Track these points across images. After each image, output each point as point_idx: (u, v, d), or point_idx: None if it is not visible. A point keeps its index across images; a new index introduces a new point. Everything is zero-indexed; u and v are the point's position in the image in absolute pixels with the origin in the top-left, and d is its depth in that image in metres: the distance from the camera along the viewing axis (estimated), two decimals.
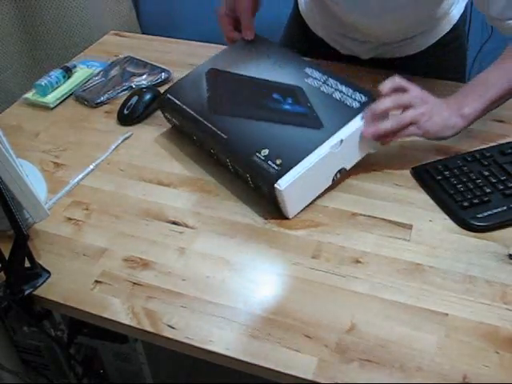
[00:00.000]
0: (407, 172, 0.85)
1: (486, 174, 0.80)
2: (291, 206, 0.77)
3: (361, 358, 0.61)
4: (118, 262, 0.73)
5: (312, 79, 0.86)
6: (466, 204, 0.77)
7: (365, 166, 0.84)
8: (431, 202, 0.80)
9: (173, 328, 0.65)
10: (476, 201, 0.77)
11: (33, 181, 0.71)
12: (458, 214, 0.77)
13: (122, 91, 1.06)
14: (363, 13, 0.95)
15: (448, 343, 0.63)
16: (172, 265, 0.73)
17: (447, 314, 0.65)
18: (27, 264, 0.68)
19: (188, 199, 0.83)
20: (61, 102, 1.04)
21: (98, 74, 1.10)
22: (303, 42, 1.16)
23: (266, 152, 0.77)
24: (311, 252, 0.74)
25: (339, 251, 0.74)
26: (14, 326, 0.78)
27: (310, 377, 0.60)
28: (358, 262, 0.72)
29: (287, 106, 0.83)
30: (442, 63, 1.07)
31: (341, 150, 0.78)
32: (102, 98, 1.03)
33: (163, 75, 1.09)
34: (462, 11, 1.05)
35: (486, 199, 0.77)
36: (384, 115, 0.79)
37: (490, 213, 0.76)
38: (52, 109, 1.03)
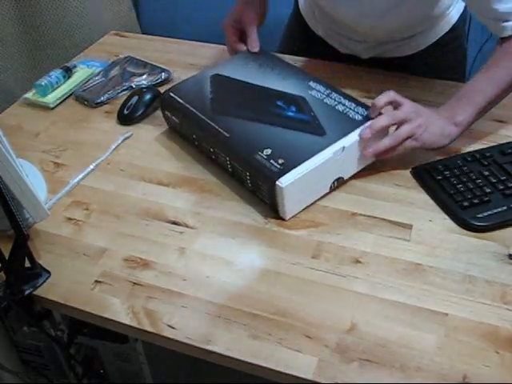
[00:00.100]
0: (407, 172, 0.85)
1: (486, 173, 0.80)
2: (289, 206, 0.77)
3: (361, 357, 0.61)
4: (118, 262, 0.73)
5: (316, 91, 0.88)
6: (466, 204, 0.77)
7: (365, 166, 0.84)
8: (431, 202, 0.80)
9: (173, 328, 0.65)
10: (476, 201, 0.77)
11: (33, 181, 0.71)
12: (457, 214, 0.77)
13: (122, 91, 1.06)
14: (357, 13, 0.95)
15: (448, 343, 0.63)
16: (172, 265, 0.73)
17: (447, 314, 0.65)
18: (27, 264, 0.68)
19: (188, 199, 0.83)
20: (61, 102, 1.04)
21: (98, 74, 1.10)
22: (303, 41, 1.16)
23: (268, 151, 0.77)
24: (311, 252, 0.74)
25: (339, 251, 0.74)
26: (13, 326, 0.78)
27: (310, 377, 0.60)
28: (357, 262, 0.72)
29: (291, 113, 0.84)
30: (441, 63, 1.07)
31: (342, 158, 0.79)
32: (102, 98, 1.03)
33: (163, 75, 1.09)
34: (461, 11, 1.05)
35: (486, 199, 0.77)
36: (381, 132, 0.80)
37: (489, 213, 0.76)
38: (52, 109, 1.03)
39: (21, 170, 0.68)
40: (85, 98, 1.04)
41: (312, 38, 1.13)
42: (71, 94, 1.06)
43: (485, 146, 0.87)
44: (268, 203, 0.79)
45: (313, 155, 0.76)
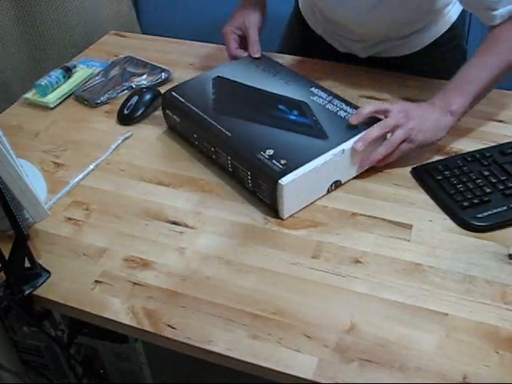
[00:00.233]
0: (407, 172, 0.85)
1: (486, 173, 0.80)
2: (288, 205, 0.77)
3: (361, 357, 0.61)
4: (118, 262, 0.73)
5: (317, 97, 0.88)
6: (466, 204, 0.77)
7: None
8: (431, 201, 0.80)
9: (173, 328, 0.65)
10: (476, 201, 0.77)
11: (33, 181, 0.71)
12: (457, 214, 0.76)
13: (121, 91, 1.06)
14: (349, 7, 0.95)
15: (448, 343, 0.63)
16: (172, 265, 0.73)
17: (447, 314, 0.65)
18: (27, 264, 0.68)
19: (188, 199, 0.83)
20: (61, 102, 1.04)
21: (98, 74, 1.10)
22: (303, 40, 1.16)
23: (270, 152, 0.78)
24: (311, 252, 0.74)
25: (339, 251, 0.74)
26: (13, 326, 0.78)
27: (310, 377, 0.60)
28: (357, 261, 0.72)
29: (293, 117, 0.85)
30: (439, 63, 1.08)
31: (341, 160, 0.79)
32: (102, 98, 1.03)
33: (163, 75, 1.09)
34: (460, 11, 1.05)
35: (486, 199, 0.77)
36: (375, 142, 0.80)
37: (489, 213, 0.76)
38: (52, 109, 1.03)
39: (21, 170, 0.68)
40: (85, 98, 1.04)
41: (312, 37, 1.13)
42: (71, 94, 1.06)
43: (485, 146, 0.87)
44: (268, 203, 0.79)
45: (315, 157, 0.77)
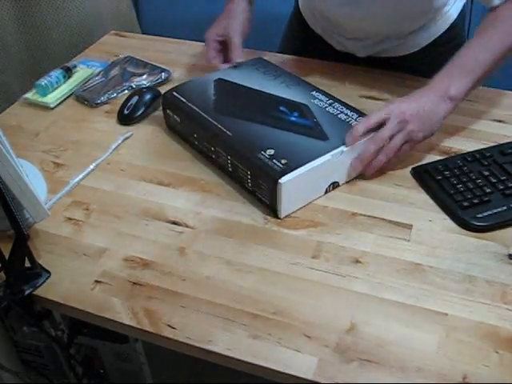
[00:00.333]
0: (407, 172, 0.85)
1: (486, 173, 0.81)
2: (285, 204, 0.77)
3: (361, 358, 0.61)
4: (117, 262, 0.73)
5: (318, 100, 0.89)
6: (465, 204, 0.77)
7: None
8: (431, 201, 0.80)
9: (173, 328, 0.65)
10: (476, 201, 0.77)
11: (33, 181, 0.71)
12: (457, 214, 0.77)
13: (121, 91, 1.06)
14: (345, 6, 0.95)
15: (448, 343, 0.63)
16: (172, 265, 0.73)
17: (447, 314, 0.65)
18: (27, 264, 0.68)
19: (188, 199, 0.83)
20: (61, 102, 1.04)
21: (98, 74, 1.10)
22: (303, 40, 1.17)
23: (271, 152, 0.78)
24: (311, 252, 0.74)
25: (339, 251, 0.74)
26: (14, 326, 0.78)
27: (310, 377, 0.60)
28: (357, 261, 0.72)
29: (293, 118, 0.85)
30: (439, 63, 1.07)
31: (340, 161, 0.79)
32: (102, 98, 1.03)
33: (163, 75, 1.09)
34: (459, 11, 1.05)
35: (486, 199, 0.77)
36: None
37: (489, 213, 0.76)
38: (52, 109, 1.03)
39: (21, 170, 0.68)
40: (85, 98, 1.04)
41: (311, 37, 1.13)
42: (71, 94, 1.06)
43: (485, 146, 0.87)
44: (267, 202, 0.79)
45: (316, 158, 0.77)
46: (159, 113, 0.98)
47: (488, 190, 0.78)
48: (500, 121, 0.95)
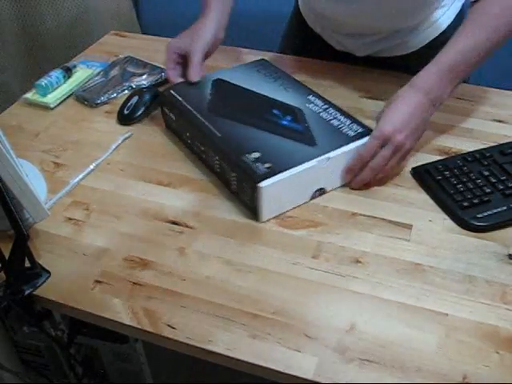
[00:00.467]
0: (407, 172, 0.85)
1: (486, 173, 0.81)
2: (267, 208, 0.76)
3: (361, 358, 0.61)
4: (118, 262, 0.73)
5: (313, 105, 0.88)
6: (465, 204, 0.77)
7: None
8: (431, 201, 0.80)
9: (173, 328, 0.65)
10: (476, 201, 0.77)
11: (33, 181, 0.71)
12: (457, 214, 0.77)
13: (121, 91, 1.06)
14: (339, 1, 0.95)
15: (448, 343, 0.63)
16: (172, 265, 0.73)
17: (447, 314, 0.65)
18: (27, 264, 0.68)
19: (188, 199, 0.83)
20: (61, 102, 1.04)
21: (98, 74, 1.10)
22: (302, 39, 1.17)
23: (256, 155, 0.77)
24: (311, 252, 0.74)
25: (339, 251, 0.74)
26: (13, 326, 0.78)
27: (310, 377, 0.60)
28: (357, 261, 0.72)
29: (285, 122, 0.84)
30: None
31: (326, 168, 0.78)
32: (102, 98, 1.03)
33: (163, 75, 1.08)
34: (458, 11, 1.05)
35: (486, 199, 0.77)
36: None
37: (489, 213, 0.76)
38: (52, 109, 1.03)
39: (21, 170, 0.68)
40: (85, 97, 1.04)
41: (311, 37, 1.13)
42: (71, 94, 1.06)
43: (485, 146, 0.87)
44: (249, 205, 0.78)
45: (300, 163, 0.76)
46: (159, 113, 0.98)
47: (488, 190, 0.78)
48: (500, 121, 0.95)
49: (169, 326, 0.66)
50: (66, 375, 0.92)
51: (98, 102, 1.03)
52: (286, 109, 0.87)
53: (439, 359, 0.61)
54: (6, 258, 0.66)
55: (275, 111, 0.87)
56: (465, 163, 0.83)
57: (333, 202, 0.81)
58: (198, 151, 0.88)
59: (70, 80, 1.08)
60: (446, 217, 0.78)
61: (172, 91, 0.93)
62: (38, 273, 0.69)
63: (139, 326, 0.66)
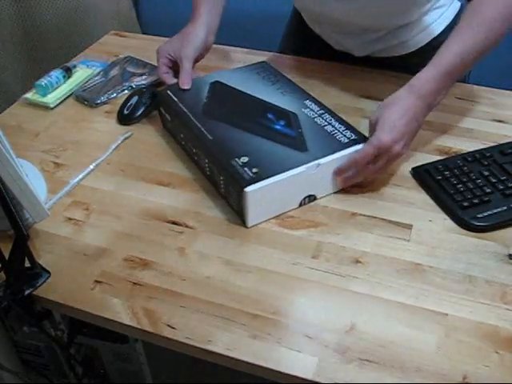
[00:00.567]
0: (407, 172, 0.85)
1: (486, 174, 0.81)
2: (253, 214, 0.76)
3: (361, 358, 0.61)
4: (118, 262, 0.73)
5: (309, 110, 0.87)
6: (465, 204, 0.77)
7: None
8: (431, 201, 0.80)
9: (173, 328, 0.65)
10: (476, 201, 0.77)
11: (33, 181, 0.71)
12: (457, 214, 0.77)
13: (121, 91, 1.06)
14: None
15: (448, 343, 0.63)
16: (172, 265, 0.73)
17: (447, 314, 0.65)
18: (27, 264, 0.68)
19: (188, 199, 0.83)
20: (61, 102, 1.04)
21: (98, 74, 1.10)
22: (302, 39, 1.17)
23: (245, 159, 0.77)
24: (311, 252, 0.74)
25: (339, 251, 0.74)
26: (13, 326, 0.78)
27: (310, 377, 0.60)
28: (358, 261, 0.72)
29: (278, 127, 0.84)
30: None
31: (316, 175, 0.77)
32: (102, 98, 1.03)
33: None
34: (457, 10, 1.05)
35: (486, 199, 0.77)
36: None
37: (489, 213, 0.76)
38: (52, 109, 1.03)
39: (21, 170, 0.68)
40: (85, 98, 1.04)
41: (310, 37, 1.13)
42: (71, 94, 1.06)
43: (485, 146, 0.87)
44: (236, 210, 0.78)
45: (289, 169, 0.75)
46: None
47: (488, 190, 0.78)
48: (500, 121, 0.95)
49: (169, 326, 0.66)
50: (65, 375, 0.92)
51: (98, 102, 1.03)
52: (281, 113, 0.87)
53: (439, 359, 0.61)
54: (6, 258, 0.67)
55: (269, 115, 0.86)
56: (465, 163, 0.83)
57: (333, 202, 0.81)
58: (190, 153, 0.88)
59: (70, 80, 1.08)
60: (446, 217, 0.78)
61: (169, 91, 0.93)
62: (38, 273, 0.69)
63: (139, 326, 0.66)
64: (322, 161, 0.77)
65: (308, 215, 0.79)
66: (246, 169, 0.75)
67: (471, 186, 0.79)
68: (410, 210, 0.79)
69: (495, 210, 0.76)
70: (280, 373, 0.61)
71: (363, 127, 0.84)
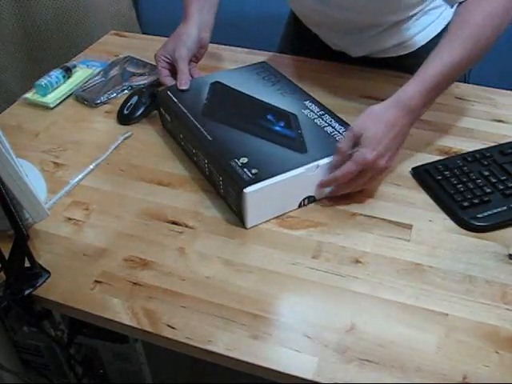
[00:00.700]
0: (407, 172, 0.85)
1: (486, 174, 0.81)
2: (252, 215, 0.76)
3: (361, 358, 0.61)
4: (118, 262, 0.73)
5: (309, 111, 0.87)
6: (465, 204, 0.77)
7: None
8: (431, 201, 0.80)
9: (173, 328, 0.65)
10: (476, 201, 0.77)
11: (33, 181, 0.71)
12: (457, 214, 0.77)
13: (121, 91, 1.06)
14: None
15: (448, 343, 0.63)
16: (172, 265, 0.73)
17: (447, 314, 0.65)
18: (27, 264, 0.68)
19: (188, 199, 0.83)
20: (61, 102, 1.04)
21: (98, 73, 1.10)
22: (300, 40, 1.17)
23: (244, 160, 0.77)
24: (311, 252, 0.74)
25: (339, 251, 0.74)
26: (14, 326, 0.78)
27: (309, 377, 0.60)
28: (358, 261, 0.72)
29: (277, 128, 0.84)
30: None
31: (315, 176, 0.77)
32: (102, 98, 1.03)
33: None
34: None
35: (486, 199, 0.77)
36: None
37: (489, 213, 0.76)
38: (52, 109, 1.03)
39: (21, 170, 0.68)
40: (85, 98, 1.04)
41: (309, 37, 1.13)
42: (71, 94, 1.06)
43: (485, 146, 0.87)
44: (235, 211, 0.78)
45: (288, 170, 0.75)
46: None
47: (488, 190, 0.78)
48: (500, 121, 0.95)
49: (169, 326, 0.66)
50: (65, 375, 0.92)
51: (98, 101, 1.03)
52: (281, 114, 0.86)
53: (439, 359, 0.61)
54: (6, 258, 0.66)
55: (269, 117, 0.86)
56: (465, 163, 0.83)
57: (333, 202, 0.81)
58: (190, 153, 0.88)
59: (70, 80, 1.08)
60: (446, 217, 0.78)
61: (168, 92, 0.93)
62: (38, 273, 0.69)
63: (139, 326, 0.66)
64: (322, 162, 0.77)
65: (308, 215, 0.79)
66: (245, 170, 0.75)
67: (471, 186, 0.79)
68: (410, 210, 0.79)
69: (495, 210, 0.76)
70: (280, 373, 0.61)
71: None
